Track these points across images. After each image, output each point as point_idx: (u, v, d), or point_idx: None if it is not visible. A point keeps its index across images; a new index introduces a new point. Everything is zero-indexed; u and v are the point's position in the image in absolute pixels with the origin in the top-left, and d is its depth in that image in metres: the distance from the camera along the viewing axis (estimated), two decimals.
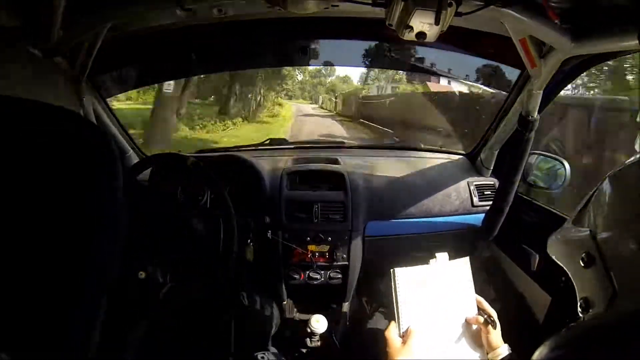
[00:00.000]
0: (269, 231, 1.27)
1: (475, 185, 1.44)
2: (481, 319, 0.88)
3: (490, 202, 1.33)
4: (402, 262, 1.48)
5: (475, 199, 1.41)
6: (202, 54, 1.46)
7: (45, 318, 0.30)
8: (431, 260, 0.94)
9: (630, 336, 0.26)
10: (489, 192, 1.43)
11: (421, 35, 0.80)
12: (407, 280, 0.88)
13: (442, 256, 0.94)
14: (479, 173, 1.49)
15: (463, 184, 1.44)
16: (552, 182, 1.28)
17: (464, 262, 0.94)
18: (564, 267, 0.47)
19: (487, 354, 0.87)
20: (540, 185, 1.32)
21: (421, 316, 0.87)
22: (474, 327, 0.89)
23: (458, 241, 1.41)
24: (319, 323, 1.24)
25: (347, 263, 1.34)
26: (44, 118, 0.32)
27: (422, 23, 0.77)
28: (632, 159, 0.42)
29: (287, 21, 1.18)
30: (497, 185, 1.42)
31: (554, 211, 1.24)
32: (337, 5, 0.91)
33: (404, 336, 0.83)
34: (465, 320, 0.89)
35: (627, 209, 0.39)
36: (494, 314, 0.89)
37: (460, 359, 0.87)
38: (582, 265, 0.41)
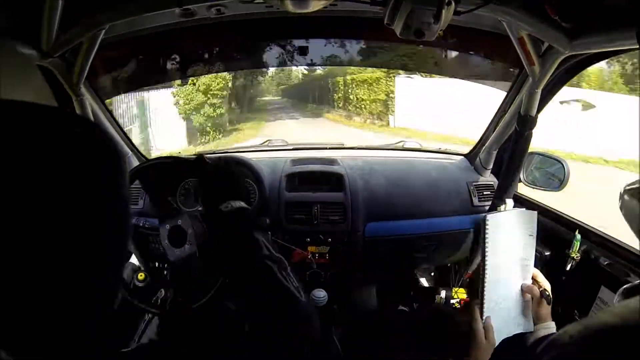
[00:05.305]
0: (269, 232, 1.27)
1: (475, 185, 1.44)
2: (537, 291, 0.89)
3: (490, 202, 1.33)
4: (402, 263, 1.47)
5: (475, 200, 1.41)
6: (201, 54, 1.46)
7: (49, 318, 0.29)
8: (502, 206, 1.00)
9: (635, 334, 0.26)
10: (489, 193, 1.43)
11: (420, 34, 0.80)
12: (495, 224, 0.90)
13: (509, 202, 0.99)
14: (479, 173, 1.49)
15: (462, 184, 1.44)
16: (551, 182, 1.28)
17: (532, 216, 0.95)
18: None
19: (535, 324, 0.89)
20: (539, 185, 1.31)
21: (501, 265, 0.89)
22: (528, 297, 0.91)
23: (458, 242, 1.41)
24: (321, 293, 1.23)
25: (347, 264, 1.33)
26: (46, 120, 0.32)
27: (421, 22, 0.77)
28: None
29: (285, 21, 1.18)
30: (496, 185, 1.41)
31: (553, 210, 1.24)
32: (336, 4, 0.91)
33: (486, 330, 0.85)
34: (522, 288, 0.91)
35: None
36: (549, 287, 0.90)
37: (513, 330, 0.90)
38: None
